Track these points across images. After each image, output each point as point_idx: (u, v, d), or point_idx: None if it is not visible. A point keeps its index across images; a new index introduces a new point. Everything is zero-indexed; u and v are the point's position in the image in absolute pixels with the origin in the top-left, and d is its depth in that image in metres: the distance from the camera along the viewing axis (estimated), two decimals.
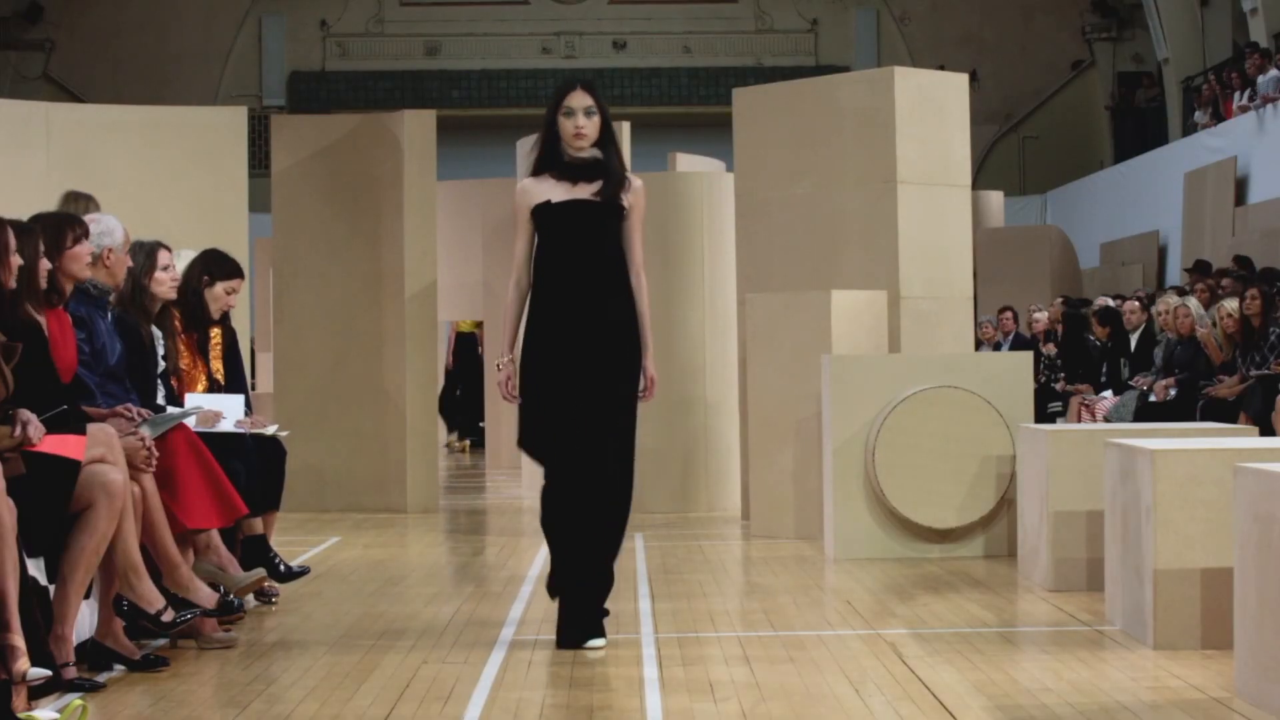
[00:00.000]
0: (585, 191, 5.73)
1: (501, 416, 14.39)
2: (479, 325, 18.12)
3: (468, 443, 18.20)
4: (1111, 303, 14.14)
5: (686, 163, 11.86)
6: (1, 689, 4.42)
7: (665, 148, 13.64)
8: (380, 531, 9.59)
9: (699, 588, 7.17)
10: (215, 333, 7.11)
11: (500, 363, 5.80)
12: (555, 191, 5.74)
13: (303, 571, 6.94)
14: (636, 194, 5.79)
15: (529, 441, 5.84)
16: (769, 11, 28.89)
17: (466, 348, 18.91)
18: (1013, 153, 28.83)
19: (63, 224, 5.69)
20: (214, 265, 7.06)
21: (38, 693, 4.63)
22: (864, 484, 8.05)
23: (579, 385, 5.66)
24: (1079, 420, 12.62)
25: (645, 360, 5.79)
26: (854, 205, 9.35)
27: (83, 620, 5.34)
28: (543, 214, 5.74)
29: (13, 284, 5.19)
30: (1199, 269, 16.12)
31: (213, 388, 6.98)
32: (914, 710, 4.66)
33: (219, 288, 7.04)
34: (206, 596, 5.72)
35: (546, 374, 5.70)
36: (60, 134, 10.50)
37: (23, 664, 4.44)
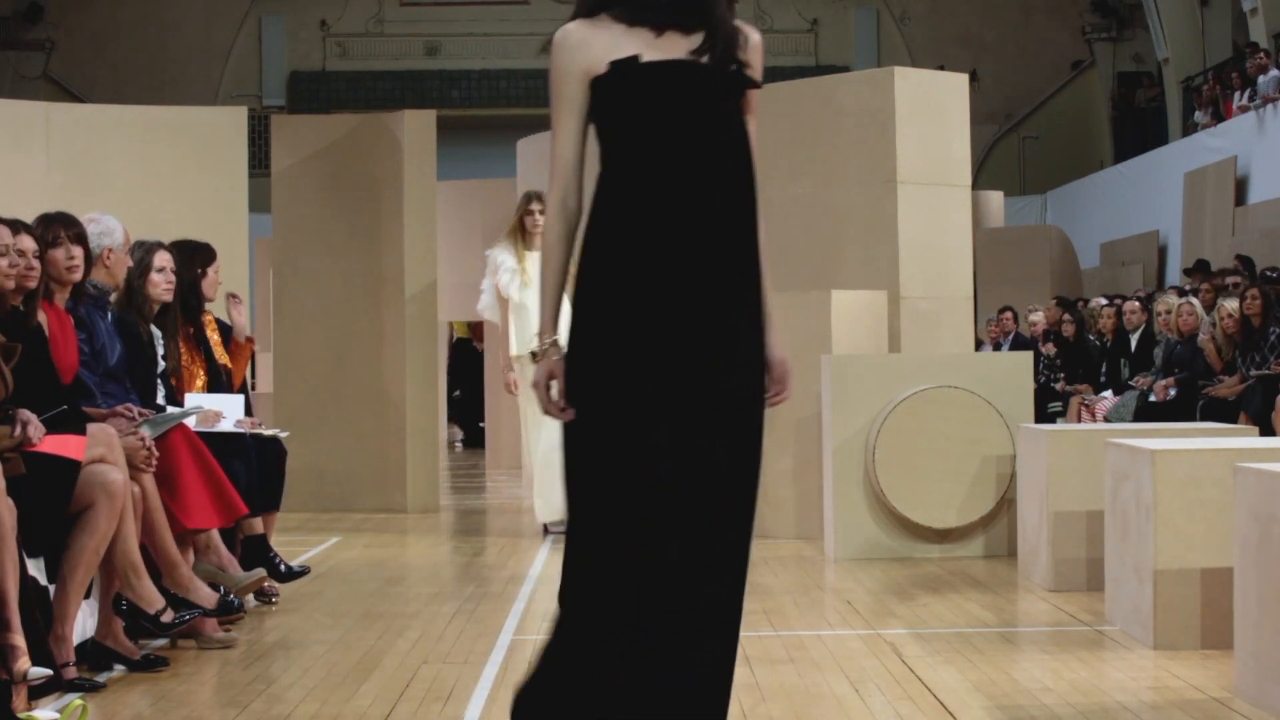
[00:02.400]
0: (679, 47, 3.27)
1: (502, 416, 14.38)
2: (470, 326, 18.14)
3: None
4: (1105, 302, 14.15)
5: None
6: (1, 689, 4.42)
7: None
8: (380, 531, 9.59)
9: None
10: (209, 318, 7.13)
11: (537, 348, 3.39)
12: (631, 43, 3.26)
13: (303, 571, 6.94)
14: (754, 54, 3.35)
15: (611, 494, 3.19)
16: (769, 11, 28.90)
17: (463, 347, 18.94)
18: (1013, 153, 28.84)
19: (46, 225, 5.67)
20: (197, 255, 7.06)
21: (38, 693, 4.63)
22: (864, 484, 8.05)
23: (699, 395, 3.19)
24: (1079, 420, 12.62)
25: (771, 338, 3.36)
26: (854, 205, 9.35)
27: (83, 620, 5.34)
28: (620, 83, 3.25)
29: (11, 284, 5.20)
30: (1198, 269, 16.13)
31: (214, 379, 6.98)
32: (914, 710, 4.66)
33: (211, 274, 7.08)
34: (206, 596, 5.71)
35: (644, 372, 3.19)
36: (60, 134, 10.50)
37: (23, 664, 4.44)
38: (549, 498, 8.97)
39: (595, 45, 3.26)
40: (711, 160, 3.24)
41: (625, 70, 3.23)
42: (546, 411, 3.30)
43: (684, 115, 3.23)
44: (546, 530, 9.17)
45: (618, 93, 3.25)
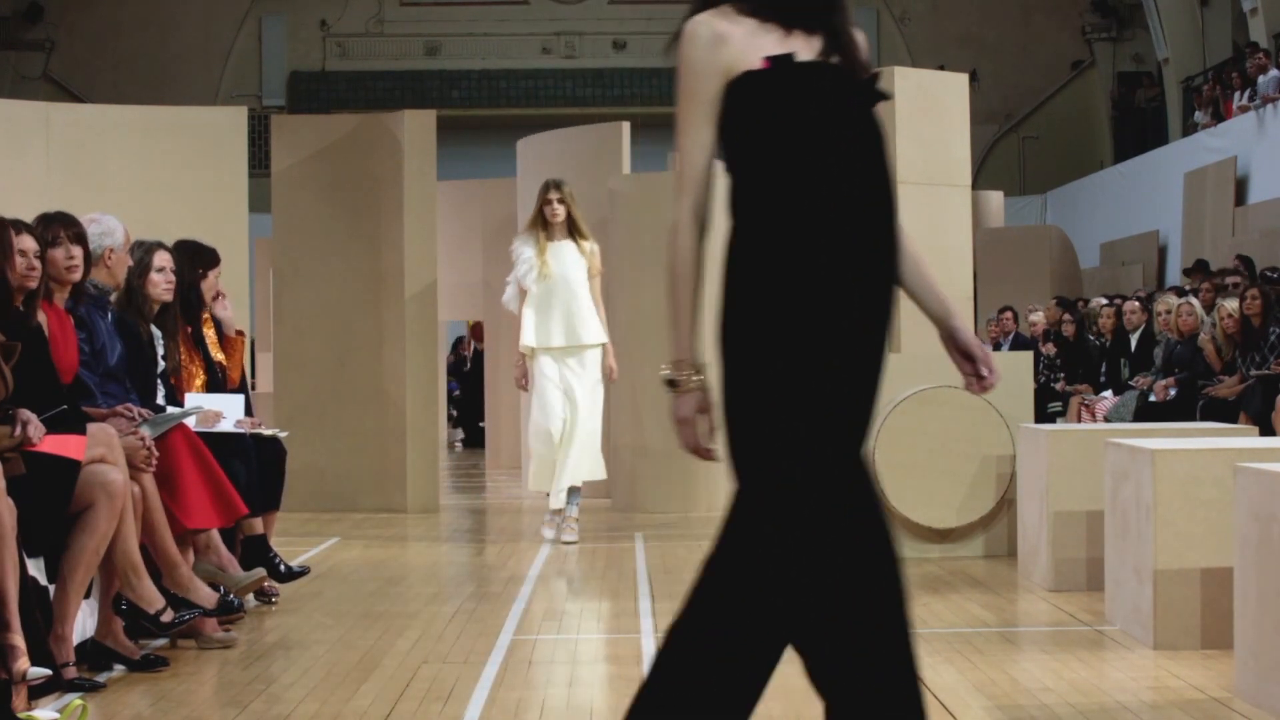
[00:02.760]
0: (806, 47, 3.05)
1: (502, 416, 14.38)
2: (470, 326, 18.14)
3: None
4: (1105, 302, 14.16)
5: None
6: (1, 689, 4.42)
7: (665, 148, 13.64)
8: (380, 531, 9.59)
9: None
10: (206, 317, 7.11)
11: (673, 375, 3.03)
12: (768, 41, 3.03)
13: (303, 571, 6.95)
14: (866, 56, 3.21)
15: (816, 528, 2.93)
16: None
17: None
18: (1013, 153, 28.84)
19: (46, 224, 5.67)
20: (200, 257, 7.04)
21: (38, 693, 4.63)
22: None
23: (868, 406, 3.03)
24: (1079, 420, 12.62)
25: (961, 323, 3.26)
26: None
27: (83, 620, 5.34)
28: (780, 81, 3.00)
29: (32, 284, 5.22)
30: (1197, 269, 16.14)
31: (214, 378, 6.97)
32: None
33: (211, 277, 7.06)
34: (206, 596, 5.72)
35: (824, 389, 2.94)
36: (60, 134, 10.49)
37: (23, 664, 4.44)
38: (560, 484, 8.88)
39: (734, 40, 3.02)
40: (867, 167, 3.02)
41: (786, 68, 2.98)
42: (693, 450, 3.01)
43: (839, 120, 3.00)
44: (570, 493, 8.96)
45: (774, 92, 2.98)
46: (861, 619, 2.98)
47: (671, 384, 2.99)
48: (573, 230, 8.88)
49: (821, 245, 2.95)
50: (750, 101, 2.99)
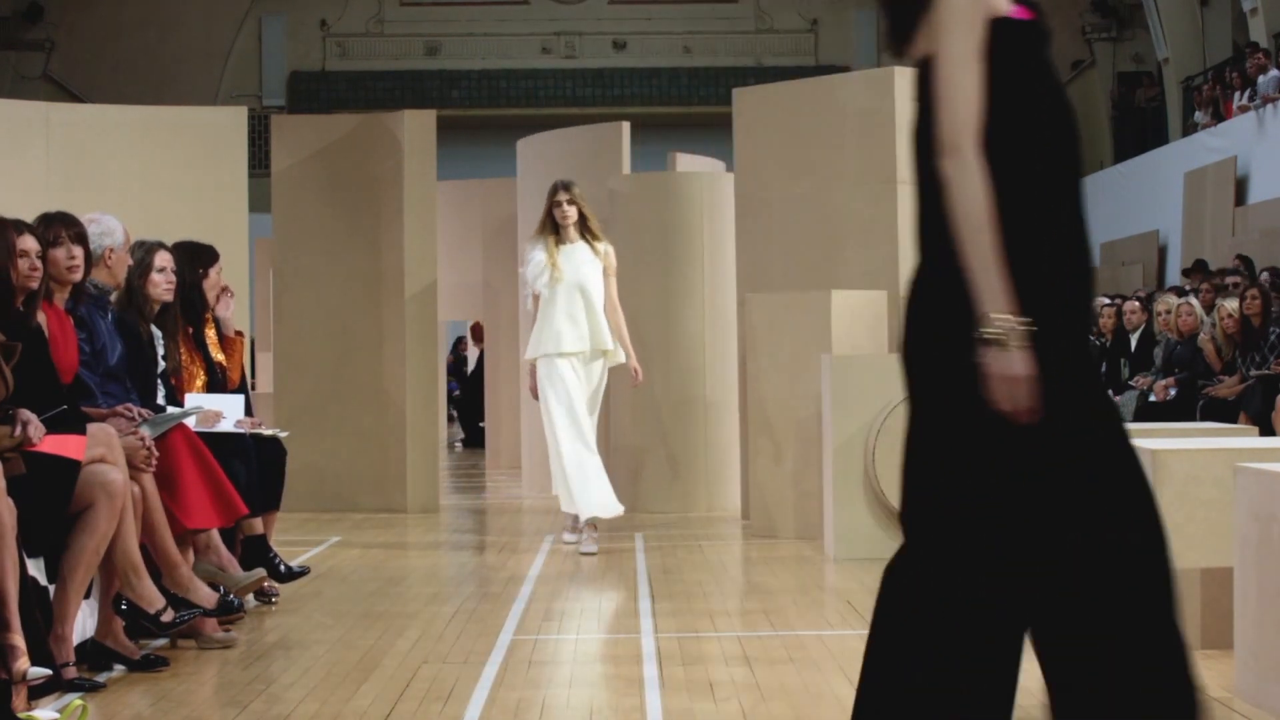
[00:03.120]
0: None
1: (502, 416, 14.38)
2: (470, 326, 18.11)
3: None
4: (1105, 302, 14.15)
5: (686, 163, 11.87)
6: (1, 689, 4.42)
7: (665, 148, 13.64)
8: (380, 531, 9.59)
9: (699, 588, 7.17)
10: (208, 317, 7.10)
11: (1005, 328, 2.73)
12: None
13: (303, 571, 6.95)
14: None
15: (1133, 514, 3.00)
16: (769, 11, 28.91)
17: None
18: None
19: (47, 224, 5.67)
20: (199, 257, 7.03)
21: (38, 693, 4.63)
22: (864, 484, 8.05)
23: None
24: None
25: None
26: (854, 205, 9.35)
27: (83, 620, 5.34)
28: (1032, 34, 2.98)
29: (34, 284, 5.23)
30: (1197, 269, 16.14)
31: (214, 379, 6.97)
32: None
33: (213, 275, 7.05)
34: (206, 596, 5.72)
35: (1094, 366, 2.97)
36: (60, 134, 10.49)
37: (23, 664, 4.44)
38: (588, 495, 8.45)
39: None
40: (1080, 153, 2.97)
41: (1043, 20, 2.96)
42: (1024, 412, 2.75)
43: (1063, 92, 2.98)
44: (576, 522, 8.57)
45: (1033, 42, 2.94)
46: None
47: (996, 342, 2.72)
48: (585, 231, 8.63)
49: (1074, 194, 2.85)
50: (1011, 48, 2.86)
